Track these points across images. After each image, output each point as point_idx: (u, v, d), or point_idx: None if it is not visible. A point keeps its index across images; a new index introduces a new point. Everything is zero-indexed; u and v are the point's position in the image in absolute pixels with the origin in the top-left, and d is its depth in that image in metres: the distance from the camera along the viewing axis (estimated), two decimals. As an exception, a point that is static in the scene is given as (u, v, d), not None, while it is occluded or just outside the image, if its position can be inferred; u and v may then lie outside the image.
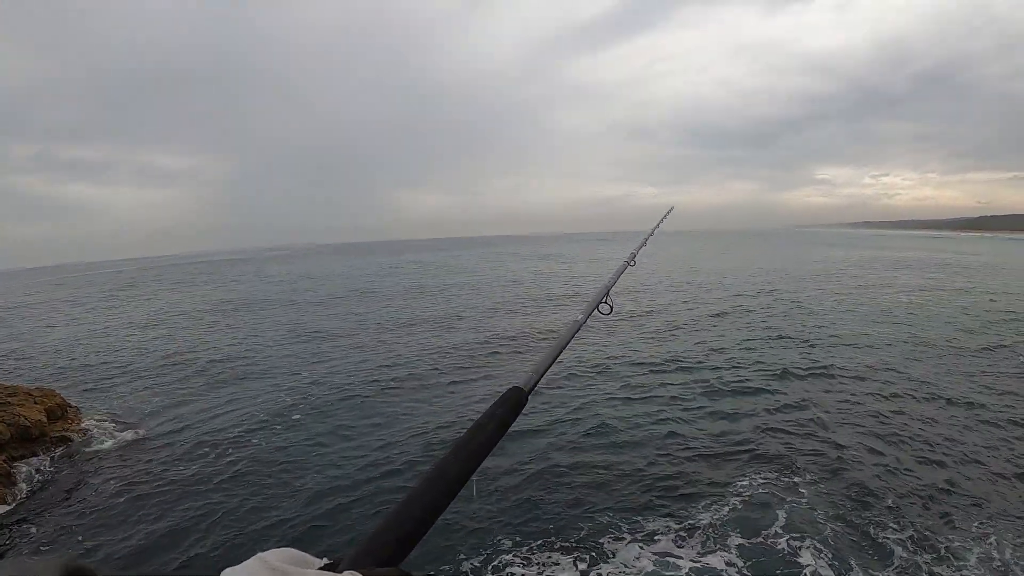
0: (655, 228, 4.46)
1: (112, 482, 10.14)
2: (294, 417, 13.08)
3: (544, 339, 20.56)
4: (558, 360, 1.31)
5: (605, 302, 1.97)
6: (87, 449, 11.72)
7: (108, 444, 11.98)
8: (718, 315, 24.53)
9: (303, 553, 0.50)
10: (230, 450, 11.29)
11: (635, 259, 3.05)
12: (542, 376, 1.16)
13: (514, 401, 1.02)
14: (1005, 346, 17.95)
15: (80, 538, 8.31)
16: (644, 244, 3.62)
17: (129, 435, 12.54)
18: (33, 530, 8.65)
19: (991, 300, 28.31)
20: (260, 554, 0.45)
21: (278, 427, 12.52)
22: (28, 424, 11.17)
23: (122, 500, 9.43)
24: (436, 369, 16.83)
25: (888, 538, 7.47)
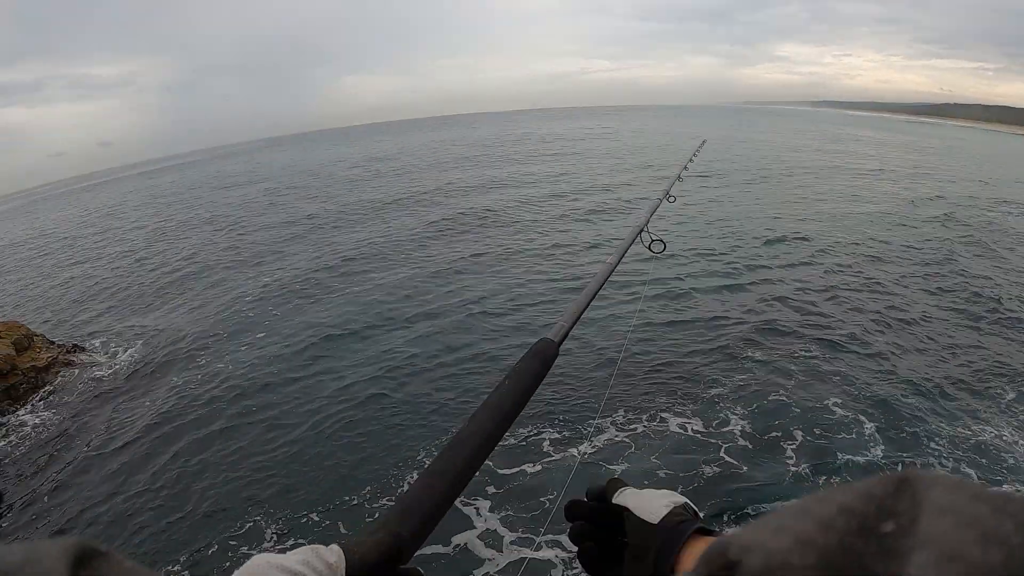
0: (688, 162, 4.31)
1: (100, 421, 9.67)
2: (255, 332, 12.26)
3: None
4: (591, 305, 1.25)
5: (646, 235, 1.84)
6: (65, 381, 11.20)
7: (82, 372, 11.51)
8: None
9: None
10: (217, 377, 10.49)
11: (669, 194, 2.86)
12: (573, 326, 1.13)
13: (545, 353, 0.98)
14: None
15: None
16: (679, 178, 3.48)
17: (102, 359, 12.11)
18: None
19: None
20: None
21: (246, 346, 11.77)
22: (-4, 360, 10.49)
23: (113, 442, 8.88)
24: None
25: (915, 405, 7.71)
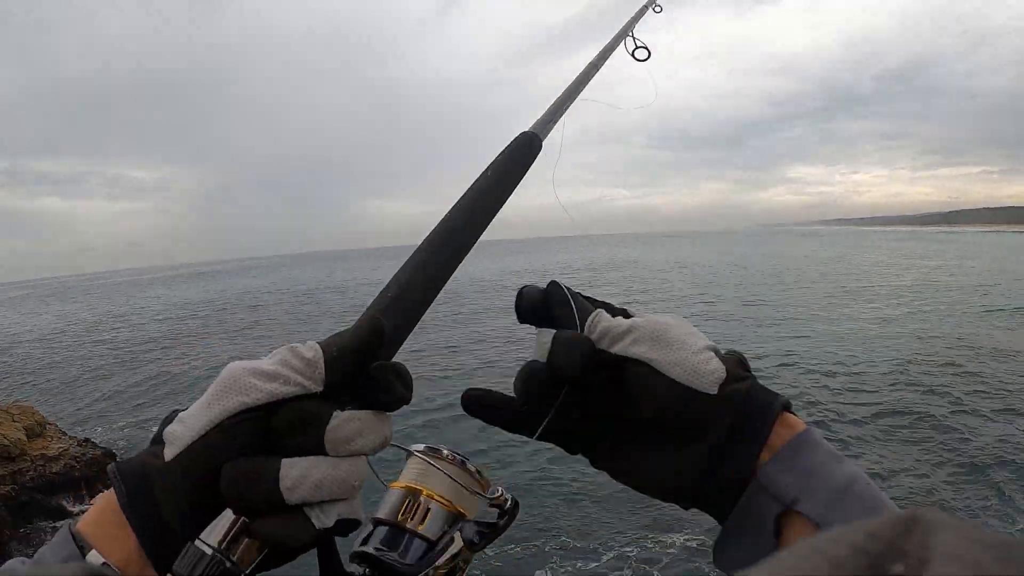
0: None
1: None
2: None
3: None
4: (577, 100, 1.05)
5: (631, 38, 1.46)
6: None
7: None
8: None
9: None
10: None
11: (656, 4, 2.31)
12: (555, 122, 0.94)
13: (527, 148, 0.80)
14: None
15: None
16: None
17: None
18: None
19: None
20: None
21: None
22: (7, 443, 10.61)
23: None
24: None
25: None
